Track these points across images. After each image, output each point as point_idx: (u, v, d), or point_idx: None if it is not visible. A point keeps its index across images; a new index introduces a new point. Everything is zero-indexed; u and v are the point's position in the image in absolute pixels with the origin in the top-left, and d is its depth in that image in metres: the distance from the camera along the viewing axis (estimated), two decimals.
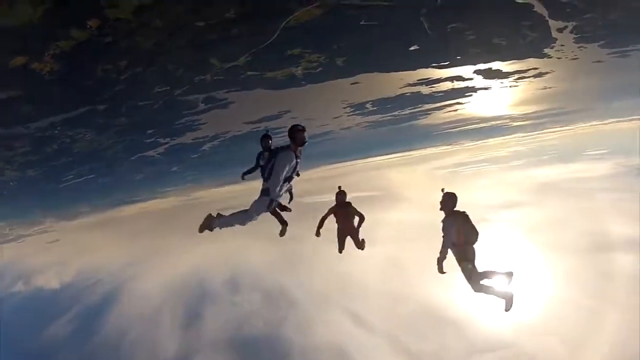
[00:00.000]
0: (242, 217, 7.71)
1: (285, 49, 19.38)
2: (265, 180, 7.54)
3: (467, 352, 38.51)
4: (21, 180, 29.73)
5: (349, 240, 10.84)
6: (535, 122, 49.14)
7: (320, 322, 40.03)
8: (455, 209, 8.29)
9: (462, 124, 44.33)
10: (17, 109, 18.75)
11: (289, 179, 7.62)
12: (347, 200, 10.60)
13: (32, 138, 22.97)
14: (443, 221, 8.34)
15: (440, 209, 8.37)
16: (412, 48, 21.30)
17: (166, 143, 30.45)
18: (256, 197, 7.60)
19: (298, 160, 7.49)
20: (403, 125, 39.08)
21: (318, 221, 10.56)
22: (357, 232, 10.80)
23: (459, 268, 8.39)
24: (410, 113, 35.09)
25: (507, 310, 8.37)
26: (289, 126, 7.42)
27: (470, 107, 35.92)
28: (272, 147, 8.99)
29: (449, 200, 8.29)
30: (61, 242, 61.95)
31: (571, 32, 21.37)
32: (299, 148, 7.49)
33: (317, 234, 10.58)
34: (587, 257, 43.65)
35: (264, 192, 7.58)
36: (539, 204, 60.63)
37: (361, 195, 72.09)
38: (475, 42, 21.36)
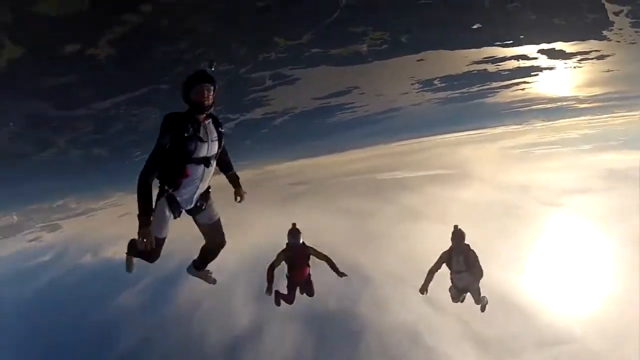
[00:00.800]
0: None
1: (347, 27, 18.95)
2: None
3: (534, 342, 37.48)
4: (88, 158, 31.25)
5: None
6: (602, 104, 46.59)
7: (394, 300, 40.02)
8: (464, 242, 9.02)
9: (530, 103, 43.31)
10: (77, 93, 19.26)
11: None
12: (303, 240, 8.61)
13: (96, 119, 23.69)
14: (448, 251, 9.15)
15: (451, 240, 9.07)
16: (474, 26, 20.54)
17: (236, 119, 30.69)
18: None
19: None
20: (472, 103, 38.58)
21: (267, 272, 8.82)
22: (311, 281, 9.23)
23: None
24: (478, 90, 34.54)
25: (482, 311, 10.06)
26: None
27: (537, 87, 35.19)
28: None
29: (458, 235, 9.01)
30: (132, 214, 64.30)
31: (626, 16, 20.11)
32: None
33: (269, 291, 8.79)
34: None
35: None
36: (610, 191, 58.19)
37: (433, 173, 71.54)
38: (536, 22, 20.39)
